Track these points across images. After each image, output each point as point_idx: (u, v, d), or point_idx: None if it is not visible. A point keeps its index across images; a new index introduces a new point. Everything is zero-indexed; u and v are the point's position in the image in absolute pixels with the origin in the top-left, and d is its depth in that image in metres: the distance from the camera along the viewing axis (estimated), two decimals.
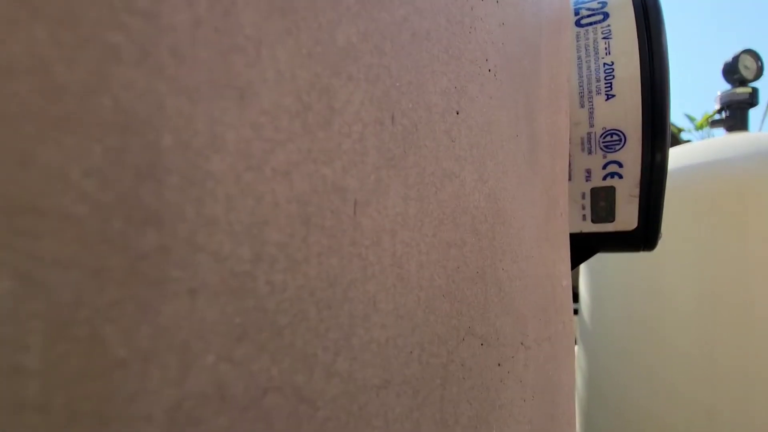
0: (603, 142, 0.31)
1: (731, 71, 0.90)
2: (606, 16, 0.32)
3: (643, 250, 0.33)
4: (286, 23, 0.10)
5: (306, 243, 0.11)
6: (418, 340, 0.14)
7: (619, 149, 0.31)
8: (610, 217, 0.32)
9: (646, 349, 0.80)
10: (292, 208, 0.10)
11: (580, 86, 0.31)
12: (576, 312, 0.97)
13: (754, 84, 0.90)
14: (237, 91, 0.09)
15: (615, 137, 0.31)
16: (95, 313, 0.07)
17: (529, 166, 0.22)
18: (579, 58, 0.32)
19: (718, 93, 0.93)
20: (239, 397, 0.09)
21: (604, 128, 0.31)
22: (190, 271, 0.08)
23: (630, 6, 0.31)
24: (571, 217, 0.32)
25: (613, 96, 0.31)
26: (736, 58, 0.89)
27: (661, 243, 0.33)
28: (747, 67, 0.88)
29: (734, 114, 0.91)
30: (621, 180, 0.31)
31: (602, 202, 0.32)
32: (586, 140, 0.31)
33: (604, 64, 0.31)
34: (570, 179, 0.32)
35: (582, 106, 0.31)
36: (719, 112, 0.94)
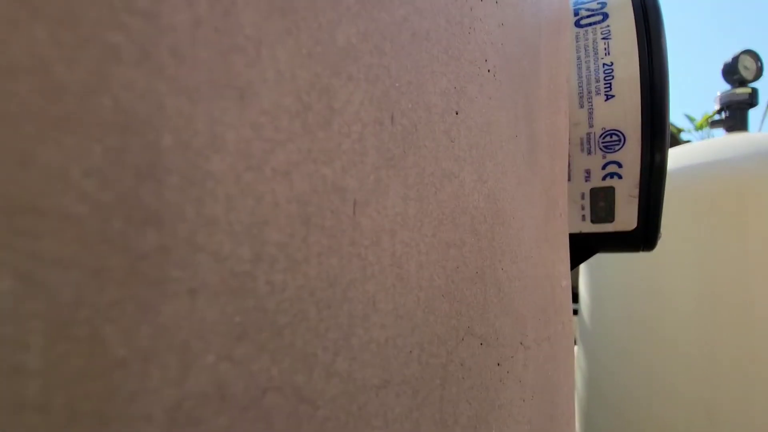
0: (602, 143, 0.31)
1: (731, 72, 0.90)
2: (605, 16, 0.32)
3: (643, 250, 0.33)
4: (286, 23, 0.10)
5: (306, 243, 0.11)
6: (417, 340, 0.14)
7: (619, 149, 0.31)
8: (609, 217, 0.32)
9: (645, 349, 0.80)
10: (292, 208, 0.10)
11: (580, 87, 0.31)
12: (575, 312, 0.97)
13: (754, 84, 0.90)
14: (237, 91, 0.09)
15: (614, 137, 0.31)
16: (95, 312, 0.07)
17: (529, 167, 0.22)
18: (578, 58, 0.32)
19: (718, 93, 0.93)
20: (239, 396, 0.09)
21: (603, 128, 0.31)
22: (190, 271, 0.08)
23: (629, 6, 0.31)
24: (570, 218, 0.32)
25: (613, 96, 0.31)
26: (735, 59, 0.89)
27: (660, 243, 0.33)
28: (746, 67, 0.88)
29: (734, 114, 0.91)
30: (620, 180, 0.31)
31: (602, 203, 0.32)
32: (585, 140, 0.31)
33: (604, 64, 0.31)
34: (569, 180, 0.32)
35: (581, 106, 0.31)
36: (719, 112, 0.94)
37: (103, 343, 0.07)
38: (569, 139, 0.31)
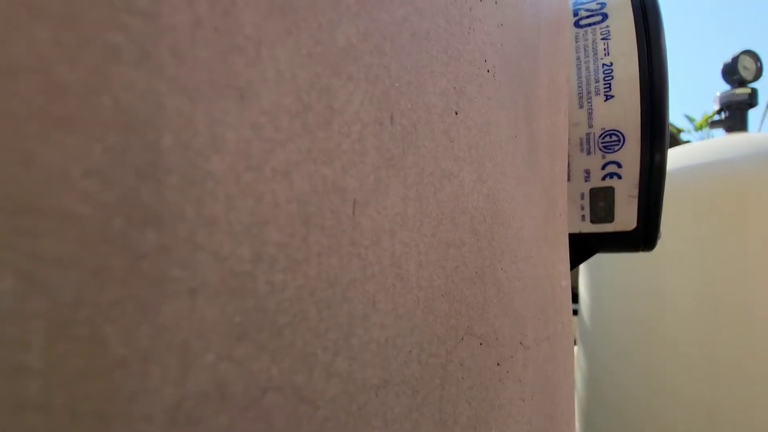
0: (602, 143, 0.31)
1: (730, 72, 0.90)
2: (605, 17, 0.32)
3: (643, 250, 0.33)
4: (286, 23, 0.10)
5: (306, 243, 0.11)
6: (417, 340, 0.14)
7: (618, 150, 0.31)
8: (609, 217, 0.32)
9: (645, 349, 0.80)
10: (292, 208, 0.10)
11: (579, 87, 0.31)
12: (575, 312, 0.97)
13: (754, 85, 0.90)
14: (237, 91, 0.09)
15: (614, 138, 0.31)
16: (96, 312, 0.07)
17: (528, 167, 0.22)
18: (578, 58, 0.32)
19: (718, 94, 0.93)
20: (239, 396, 0.09)
21: (603, 129, 0.31)
22: (190, 271, 0.08)
23: (629, 7, 0.31)
24: (570, 218, 0.32)
25: (612, 97, 0.31)
26: (735, 59, 0.89)
27: (660, 243, 0.33)
28: (746, 67, 0.88)
29: (733, 115, 0.91)
30: (620, 180, 0.31)
31: (601, 203, 0.32)
32: (585, 141, 0.31)
33: (603, 64, 0.31)
34: (569, 180, 0.32)
35: (581, 106, 0.31)
36: (719, 112, 0.94)
37: (103, 342, 0.07)
38: (569, 139, 0.31)
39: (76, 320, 0.07)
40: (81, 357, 0.07)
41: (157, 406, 0.08)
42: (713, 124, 0.97)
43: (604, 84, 0.31)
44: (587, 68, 0.31)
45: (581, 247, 0.33)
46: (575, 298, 1.00)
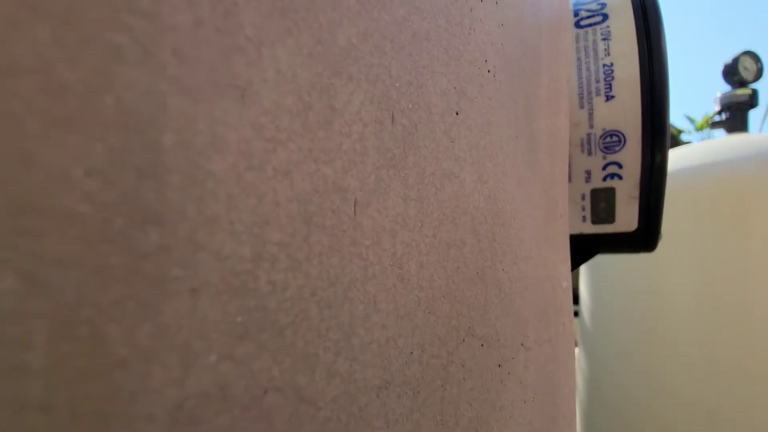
0: (603, 143, 0.31)
1: (731, 73, 0.90)
2: (605, 17, 0.32)
3: (644, 251, 0.33)
4: (286, 23, 0.10)
5: (307, 242, 0.11)
6: (418, 340, 0.14)
7: (619, 150, 0.31)
8: (610, 218, 0.32)
9: (646, 349, 0.79)
10: (293, 208, 0.10)
11: (580, 87, 0.31)
12: (576, 314, 0.97)
13: (754, 85, 0.90)
14: (238, 90, 0.09)
15: (615, 138, 0.31)
16: (97, 312, 0.07)
17: (529, 167, 0.22)
18: (578, 59, 0.32)
19: (718, 94, 0.93)
20: (240, 396, 0.09)
21: (603, 129, 0.31)
22: (192, 270, 0.08)
23: (629, 7, 0.31)
24: (571, 218, 0.32)
25: (613, 97, 0.31)
26: (735, 60, 0.89)
27: (661, 244, 0.33)
28: (747, 68, 0.88)
29: (734, 115, 0.91)
30: (621, 181, 0.31)
31: (602, 203, 0.32)
32: (585, 141, 0.31)
33: (604, 65, 0.31)
34: (570, 180, 0.32)
35: (581, 107, 0.31)
36: (719, 113, 0.94)
37: (104, 342, 0.07)
38: (569, 140, 0.31)
39: (78, 320, 0.07)
40: (82, 357, 0.07)
41: (158, 406, 0.08)
42: (714, 125, 0.97)
43: (605, 84, 0.31)
44: (588, 69, 0.31)
45: (582, 248, 0.33)
46: (576, 299, 1.00)
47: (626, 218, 0.31)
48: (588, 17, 0.32)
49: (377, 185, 0.13)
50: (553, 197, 0.25)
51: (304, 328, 0.11)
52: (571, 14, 0.33)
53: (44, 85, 0.07)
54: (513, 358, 0.19)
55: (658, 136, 0.30)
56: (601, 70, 0.31)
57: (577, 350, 0.96)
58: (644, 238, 0.32)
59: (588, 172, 0.32)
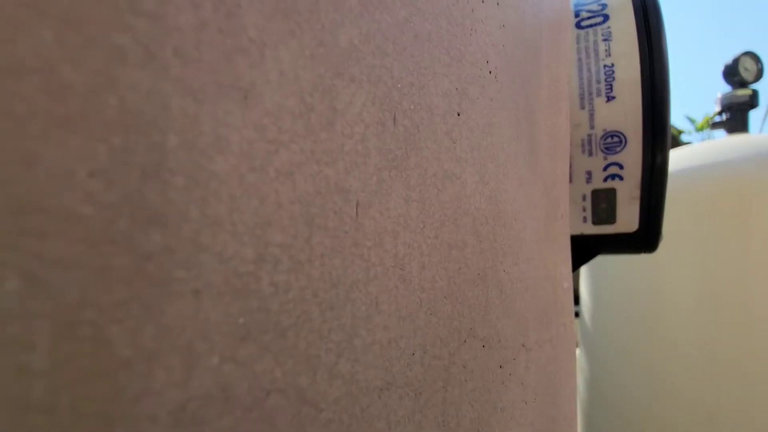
0: (603, 144, 0.31)
1: (731, 73, 0.90)
2: (606, 18, 0.32)
3: (644, 252, 0.33)
4: (289, 24, 0.10)
5: (309, 244, 0.11)
6: (420, 341, 0.14)
7: (620, 151, 0.31)
8: (611, 218, 0.32)
9: (647, 350, 0.80)
10: (295, 209, 0.10)
11: (581, 88, 0.31)
12: (576, 315, 0.97)
13: (754, 86, 0.90)
14: (241, 92, 0.09)
15: (615, 139, 0.31)
16: (100, 313, 0.07)
17: (530, 168, 0.22)
18: (579, 59, 0.32)
19: (719, 95, 0.93)
20: (243, 398, 0.09)
21: (604, 130, 0.31)
22: (195, 272, 0.08)
23: (630, 8, 0.31)
24: (571, 219, 0.32)
25: (614, 98, 0.31)
26: (736, 60, 0.89)
27: (661, 245, 0.33)
28: (747, 69, 0.88)
29: (734, 116, 0.91)
30: (622, 182, 0.31)
31: (603, 204, 0.32)
32: (586, 142, 0.31)
33: (605, 65, 0.31)
34: (571, 181, 0.32)
35: (582, 107, 0.31)
36: (720, 113, 0.94)
37: (107, 343, 0.07)
38: (570, 141, 0.31)
39: (80, 321, 0.07)
40: (85, 358, 0.07)
41: (161, 408, 0.08)
42: (714, 126, 0.97)
43: (606, 85, 0.31)
44: (588, 69, 0.31)
45: (583, 249, 0.33)
46: (576, 299, 1.00)
47: (627, 219, 0.31)
48: (589, 18, 0.32)
49: (379, 186, 0.13)
50: (554, 198, 0.25)
51: (306, 330, 0.11)
52: (572, 15, 0.33)
53: (48, 86, 0.07)
54: (514, 359, 0.19)
55: (658, 136, 0.30)
56: (602, 70, 0.31)
57: (577, 350, 0.95)
58: (645, 238, 0.32)
59: (589, 173, 0.32)
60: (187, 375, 0.08)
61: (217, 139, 0.09)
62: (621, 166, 0.31)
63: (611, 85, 0.31)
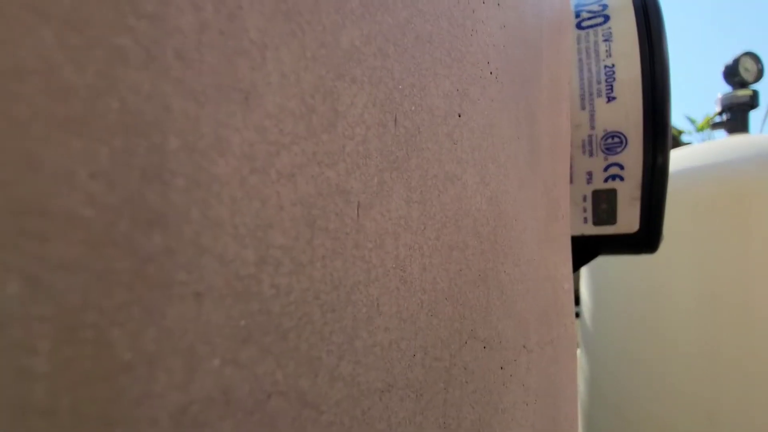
0: (604, 145, 0.31)
1: (732, 73, 0.90)
2: (607, 18, 0.32)
3: (645, 252, 0.33)
4: (290, 26, 0.10)
5: (310, 246, 0.11)
6: (421, 343, 0.14)
7: (621, 151, 0.31)
8: (611, 219, 0.32)
9: (647, 350, 0.80)
10: (296, 211, 0.10)
11: (581, 88, 0.31)
12: (577, 315, 0.97)
13: (755, 86, 0.91)
14: (242, 93, 0.09)
15: (616, 139, 0.31)
16: (102, 316, 0.07)
17: (530, 169, 0.22)
18: (580, 60, 0.32)
19: (719, 95, 0.93)
20: (244, 401, 0.09)
21: (605, 130, 0.31)
22: (196, 274, 0.08)
23: (630, 8, 0.31)
24: (572, 220, 0.32)
25: (614, 98, 0.31)
26: (736, 61, 0.89)
27: (662, 245, 0.33)
28: (747, 69, 0.88)
29: (735, 116, 0.91)
30: (622, 182, 0.31)
31: (604, 205, 0.32)
32: (587, 142, 0.31)
33: (605, 66, 0.31)
34: (571, 182, 0.32)
35: (583, 108, 0.31)
36: (720, 114, 0.94)
37: (109, 346, 0.07)
38: (571, 141, 0.31)
39: (82, 324, 0.07)
40: (86, 361, 0.07)
41: (162, 410, 0.08)
42: (714, 126, 0.97)
43: (606, 86, 0.31)
44: (589, 70, 0.31)
45: (583, 250, 0.33)
46: (577, 300, 1.00)
47: (628, 219, 0.31)
48: (589, 18, 0.32)
49: (380, 188, 0.13)
50: (555, 199, 0.25)
51: (307, 332, 0.11)
52: (573, 15, 0.33)
53: (49, 87, 0.07)
54: (515, 360, 0.19)
55: (659, 137, 0.30)
56: (603, 71, 0.31)
57: (577, 351, 0.95)
58: (646, 239, 0.32)
59: (589, 174, 0.32)
60: (188, 378, 0.08)
61: (218, 140, 0.09)
62: (622, 167, 0.31)
63: (612, 86, 0.31)
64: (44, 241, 0.07)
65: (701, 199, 0.75)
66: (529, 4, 0.22)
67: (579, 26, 0.32)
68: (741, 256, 0.71)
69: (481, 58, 0.18)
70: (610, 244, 0.33)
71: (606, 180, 0.31)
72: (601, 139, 0.31)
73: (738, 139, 0.82)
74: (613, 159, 0.31)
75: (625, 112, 0.30)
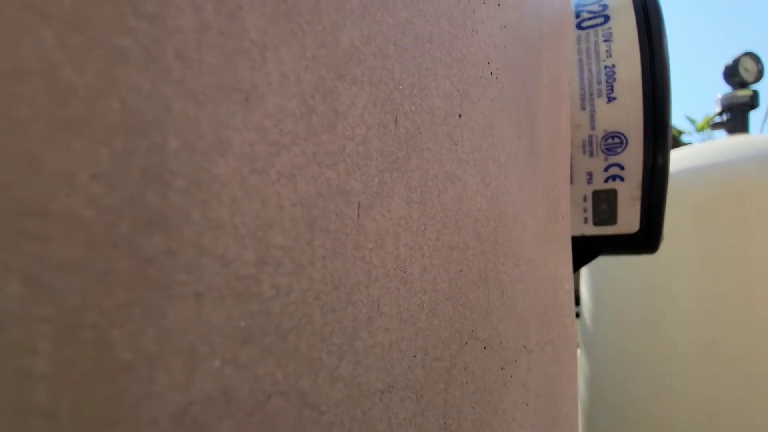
0: (604, 145, 0.31)
1: (732, 74, 0.90)
2: (607, 18, 0.32)
3: (645, 252, 0.33)
4: (290, 26, 0.10)
5: (311, 246, 0.11)
6: (421, 344, 0.14)
7: (621, 152, 0.31)
8: (611, 219, 0.32)
9: (647, 350, 0.80)
10: (296, 211, 0.10)
11: (581, 89, 0.31)
12: (577, 315, 0.97)
13: (755, 86, 0.91)
14: (242, 94, 0.09)
15: (616, 140, 0.31)
16: (102, 316, 0.07)
17: (531, 169, 0.22)
18: (580, 60, 0.32)
19: (719, 95, 0.93)
20: (244, 401, 0.09)
21: (605, 131, 0.31)
22: (196, 275, 0.08)
23: (631, 8, 0.31)
24: (572, 220, 0.32)
25: (615, 98, 0.31)
26: (736, 61, 0.89)
27: (662, 245, 0.33)
28: (747, 69, 0.88)
29: (735, 116, 0.91)
30: (623, 183, 0.31)
31: (604, 205, 0.32)
32: (587, 143, 0.31)
33: (605, 66, 0.31)
34: (571, 182, 0.32)
35: (583, 108, 0.31)
36: (720, 114, 0.94)
37: (109, 347, 0.07)
38: (571, 142, 0.31)
39: (82, 324, 0.07)
40: (86, 361, 0.07)
41: (162, 411, 0.08)
42: (715, 126, 0.97)
43: (607, 86, 0.31)
44: (589, 70, 0.31)
45: (584, 250, 0.33)
46: (577, 300, 1.00)
47: (628, 220, 0.31)
48: (589, 18, 0.32)
49: (380, 188, 0.13)
50: (555, 199, 0.25)
51: (307, 332, 0.11)
52: (573, 15, 0.33)
53: (50, 88, 0.07)
54: (515, 360, 0.19)
55: (659, 137, 0.30)
56: (603, 71, 0.31)
57: (577, 351, 0.95)
58: (646, 239, 0.32)
59: (590, 174, 0.32)
60: (189, 378, 0.08)
61: (219, 141, 0.09)
62: (622, 167, 0.31)
63: (612, 86, 0.31)
64: (44, 242, 0.07)
65: (701, 199, 0.75)
66: (530, 5, 0.22)
67: (579, 26, 0.32)
68: (741, 256, 0.71)
69: (481, 59, 0.18)
70: (610, 244, 0.33)
71: (606, 180, 0.31)
72: (602, 139, 0.31)
73: (738, 139, 0.82)
74: (613, 159, 0.31)
75: (626, 113, 0.30)
